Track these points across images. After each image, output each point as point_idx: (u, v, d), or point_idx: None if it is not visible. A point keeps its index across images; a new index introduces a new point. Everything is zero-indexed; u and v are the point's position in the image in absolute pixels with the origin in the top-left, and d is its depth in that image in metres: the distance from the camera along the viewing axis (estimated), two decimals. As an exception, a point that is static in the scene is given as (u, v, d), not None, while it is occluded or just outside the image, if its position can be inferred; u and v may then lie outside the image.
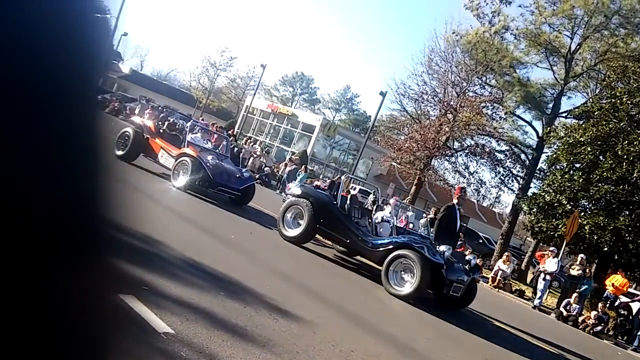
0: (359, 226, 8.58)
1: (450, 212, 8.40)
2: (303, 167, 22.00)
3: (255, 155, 22.40)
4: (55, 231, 0.55)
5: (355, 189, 11.79)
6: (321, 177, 29.16)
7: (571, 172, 18.28)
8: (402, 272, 7.57)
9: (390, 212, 9.41)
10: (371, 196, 11.39)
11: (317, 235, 9.09)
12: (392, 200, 10.62)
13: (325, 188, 13.16)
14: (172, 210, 8.09)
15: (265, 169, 22.01)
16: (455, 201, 8.51)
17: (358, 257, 9.40)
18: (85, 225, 0.57)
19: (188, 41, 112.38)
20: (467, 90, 24.84)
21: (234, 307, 4.09)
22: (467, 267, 8.28)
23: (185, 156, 10.04)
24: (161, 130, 11.65)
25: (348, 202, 8.81)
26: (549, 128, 21.15)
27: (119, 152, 10.54)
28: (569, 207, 17.15)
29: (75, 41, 0.59)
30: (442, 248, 7.82)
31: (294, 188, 9.50)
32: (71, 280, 0.55)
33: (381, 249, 7.94)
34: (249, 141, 25.53)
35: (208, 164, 9.88)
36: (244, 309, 4.14)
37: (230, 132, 28.22)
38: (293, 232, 8.61)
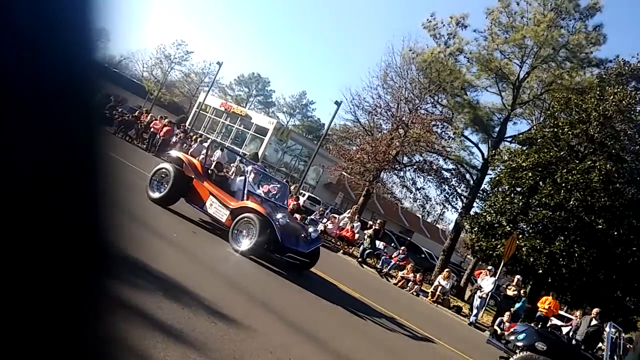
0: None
1: None
2: (253, 169, 21.72)
3: (203, 154, 21.88)
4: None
5: (304, 195, 11.69)
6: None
7: (512, 195, 18.99)
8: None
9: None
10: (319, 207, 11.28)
11: None
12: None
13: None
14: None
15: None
16: None
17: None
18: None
19: (144, 29, 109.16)
20: (419, 108, 25.37)
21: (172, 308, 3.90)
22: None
23: (250, 212, 8.17)
24: (210, 171, 9.71)
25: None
26: (494, 151, 21.91)
27: (155, 195, 8.89)
28: (509, 229, 17.79)
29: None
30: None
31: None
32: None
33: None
34: (199, 139, 24.94)
35: (278, 224, 8.07)
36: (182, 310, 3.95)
37: (182, 127, 27.53)
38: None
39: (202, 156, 21.18)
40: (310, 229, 9.17)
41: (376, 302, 9.78)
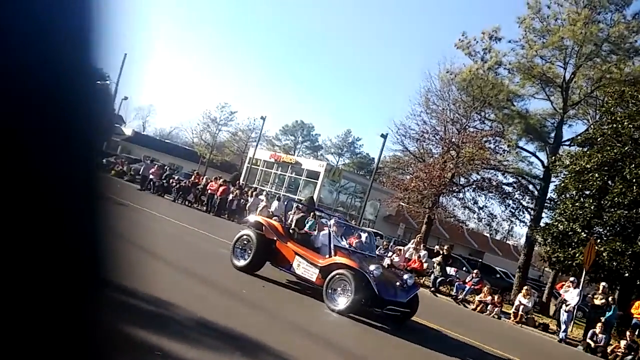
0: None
1: None
2: (311, 214, 21.93)
3: (261, 206, 22.43)
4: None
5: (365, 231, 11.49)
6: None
7: (581, 199, 18.12)
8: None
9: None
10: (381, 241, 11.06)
11: None
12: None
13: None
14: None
15: (274, 218, 21.91)
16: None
17: None
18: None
19: (188, 99, 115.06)
20: (467, 126, 25.01)
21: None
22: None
23: (341, 268, 7.80)
24: (291, 230, 9.55)
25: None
26: (553, 157, 21.16)
27: (240, 263, 8.67)
28: (584, 235, 16.90)
29: (78, 109, 0.60)
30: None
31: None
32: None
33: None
34: (254, 192, 25.60)
35: (372, 276, 7.66)
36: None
37: (237, 184, 28.36)
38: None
39: (268, 211, 21.86)
40: (405, 276, 8.64)
41: (459, 332, 9.49)
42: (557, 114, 22.82)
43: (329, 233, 8.62)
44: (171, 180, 25.41)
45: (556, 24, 21.74)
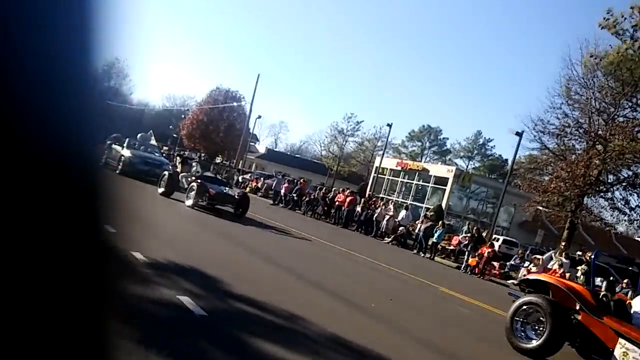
0: None
1: None
2: (440, 223, 21.10)
3: (389, 215, 22.14)
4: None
5: (498, 239, 10.64)
6: (463, 230, 27.63)
7: None
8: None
9: None
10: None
11: None
12: None
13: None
14: None
15: (400, 228, 21.51)
16: None
17: None
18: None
19: (317, 114, 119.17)
20: (615, 116, 22.33)
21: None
22: None
23: None
24: (604, 299, 6.43)
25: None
26: None
27: (527, 344, 6.33)
28: None
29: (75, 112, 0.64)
30: None
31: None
32: None
33: None
34: (381, 202, 25.40)
35: None
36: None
37: (367, 196, 28.40)
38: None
39: (395, 221, 21.63)
40: None
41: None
42: None
43: None
44: (303, 197, 26.11)
45: None
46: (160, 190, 14.69)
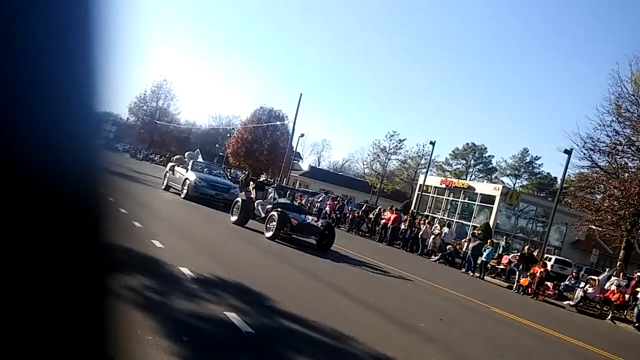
0: None
1: None
2: (488, 241, 20.84)
3: (435, 234, 22.03)
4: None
5: (550, 259, 10.54)
6: (513, 250, 27.05)
7: None
8: None
9: None
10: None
11: None
12: None
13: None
14: None
15: (448, 247, 21.37)
16: None
17: None
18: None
19: (359, 132, 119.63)
20: (669, 132, 21.54)
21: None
22: None
23: None
24: None
25: None
26: None
27: None
28: None
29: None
30: None
31: None
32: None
33: None
34: (426, 220, 25.29)
35: None
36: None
37: (410, 213, 28.33)
38: None
39: (440, 239, 21.45)
40: None
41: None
42: None
43: None
44: (345, 211, 26.43)
45: None
46: (233, 218, 13.72)
